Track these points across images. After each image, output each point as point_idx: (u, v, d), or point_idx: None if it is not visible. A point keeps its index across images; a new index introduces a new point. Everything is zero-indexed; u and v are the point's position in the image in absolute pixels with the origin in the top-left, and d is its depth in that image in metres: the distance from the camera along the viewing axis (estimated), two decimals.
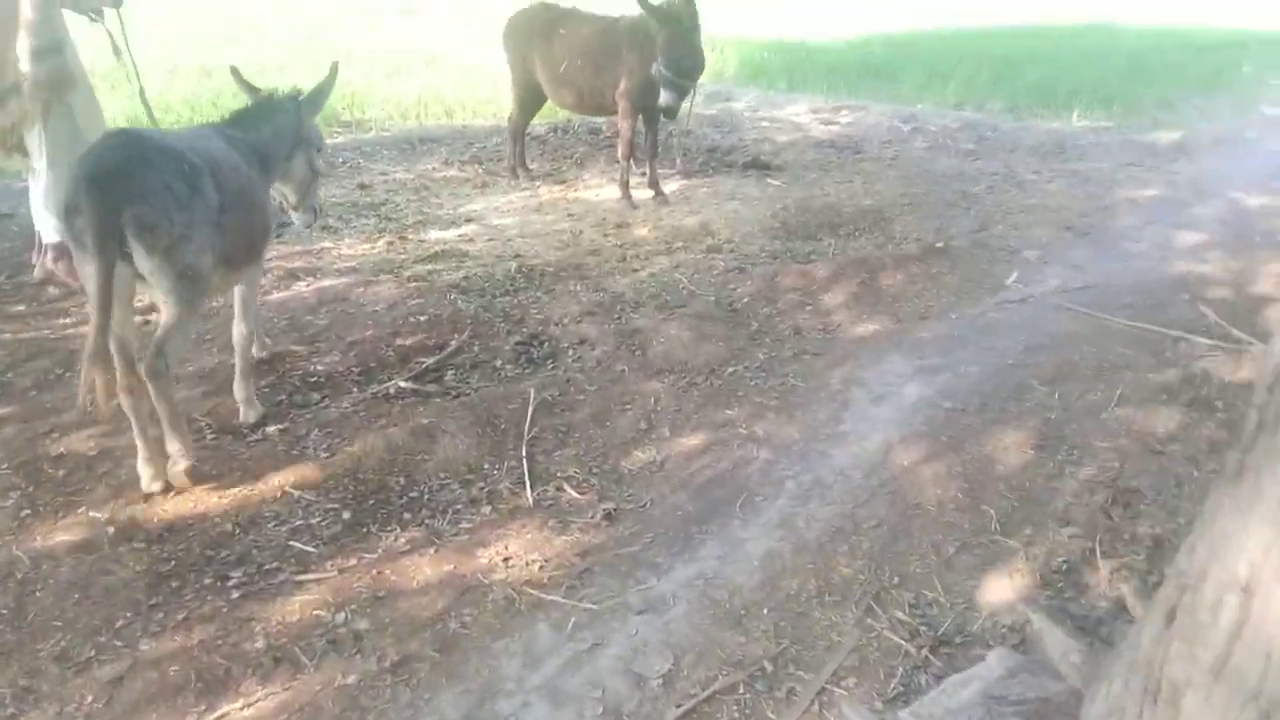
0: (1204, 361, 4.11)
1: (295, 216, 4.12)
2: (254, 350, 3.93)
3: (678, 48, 6.00)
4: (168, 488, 3.15)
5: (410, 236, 5.97)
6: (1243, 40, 16.04)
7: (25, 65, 4.37)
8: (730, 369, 4.15)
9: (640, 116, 6.62)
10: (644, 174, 6.95)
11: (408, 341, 4.43)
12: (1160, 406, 3.72)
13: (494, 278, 5.20)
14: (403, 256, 5.56)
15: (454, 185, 7.20)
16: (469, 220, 6.33)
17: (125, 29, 4.72)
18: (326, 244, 5.72)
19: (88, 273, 2.79)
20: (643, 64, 6.23)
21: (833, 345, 4.39)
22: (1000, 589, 2.72)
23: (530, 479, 3.32)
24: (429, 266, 5.37)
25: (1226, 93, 11.91)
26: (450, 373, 4.17)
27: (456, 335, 4.47)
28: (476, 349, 4.38)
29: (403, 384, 4.01)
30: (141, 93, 4.86)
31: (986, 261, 5.44)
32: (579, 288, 5.13)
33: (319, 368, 4.15)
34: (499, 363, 4.26)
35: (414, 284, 5.08)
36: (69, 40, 4.57)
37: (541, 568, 2.87)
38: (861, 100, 10.87)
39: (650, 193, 6.87)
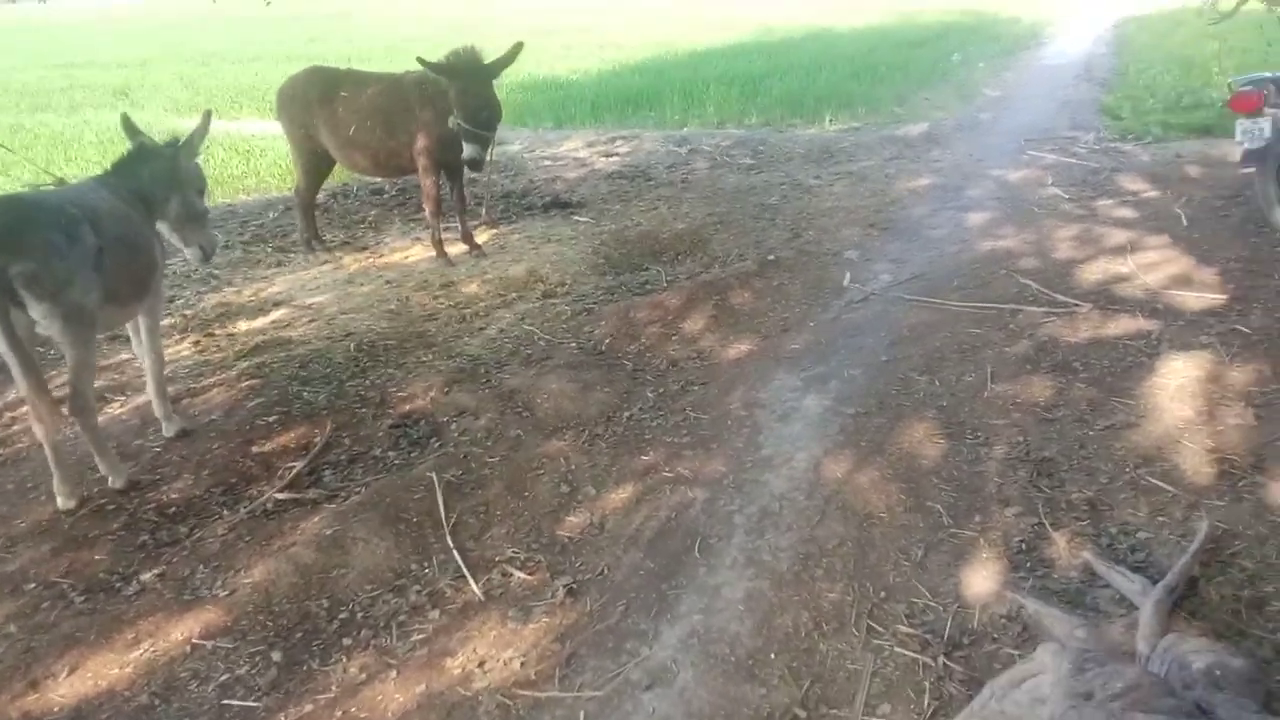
0: (1045, 328, 4.46)
1: (188, 253, 4.28)
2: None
3: (473, 99, 5.83)
4: (82, 504, 3.50)
5: (217, 331, 5.42)
6: (943, 32, 17.90)
7: None
8: (626, 413, 4.04)
9: (442, 172, 6.39)
10: (448, 228, 6.71)
11: (265, 448, 3.98)
12: (1030, 377, 3.99)
13: (334, 361, 4.81)
14: (219, 355, 5.03)
15: (245, 268, 6.62)
16: (277, 304, 5.83)
17: None
18: (123, 355, 5.06)
19: None
20: (438, 118, 6.01)
21: (714, 371, 4.39)
22: (979, 581, 2.77)
23: (469, 570, 3.06)
24: (254, 360, 4.87)
25: (946, 82, 13.21)
26: (327, 472, 3.78)
27: (318, 431, 4.07)
28: (347, 441, 4.01)
29: (279, 496, 3.59)
30: None
31: (817, 267, 5.66)
32: (430, 356, 4.84)
33: (172, 496, 3.64)
34: (378, 451, 3.91)
35: (246, 383, 4.60)
36: None
37: (523, 664, 2.63)
38: (631, 129, 11.11)
39: (465, 247, 6.64)
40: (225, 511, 3.52)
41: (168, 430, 4.08)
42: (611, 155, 9.81)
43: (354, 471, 3.78)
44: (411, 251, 6.80)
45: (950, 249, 5.86)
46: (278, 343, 5.14)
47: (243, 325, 5.49)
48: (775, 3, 29.66)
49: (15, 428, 4.33)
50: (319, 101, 6.34)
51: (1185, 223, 5.93)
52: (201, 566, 3.16)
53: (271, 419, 4.21)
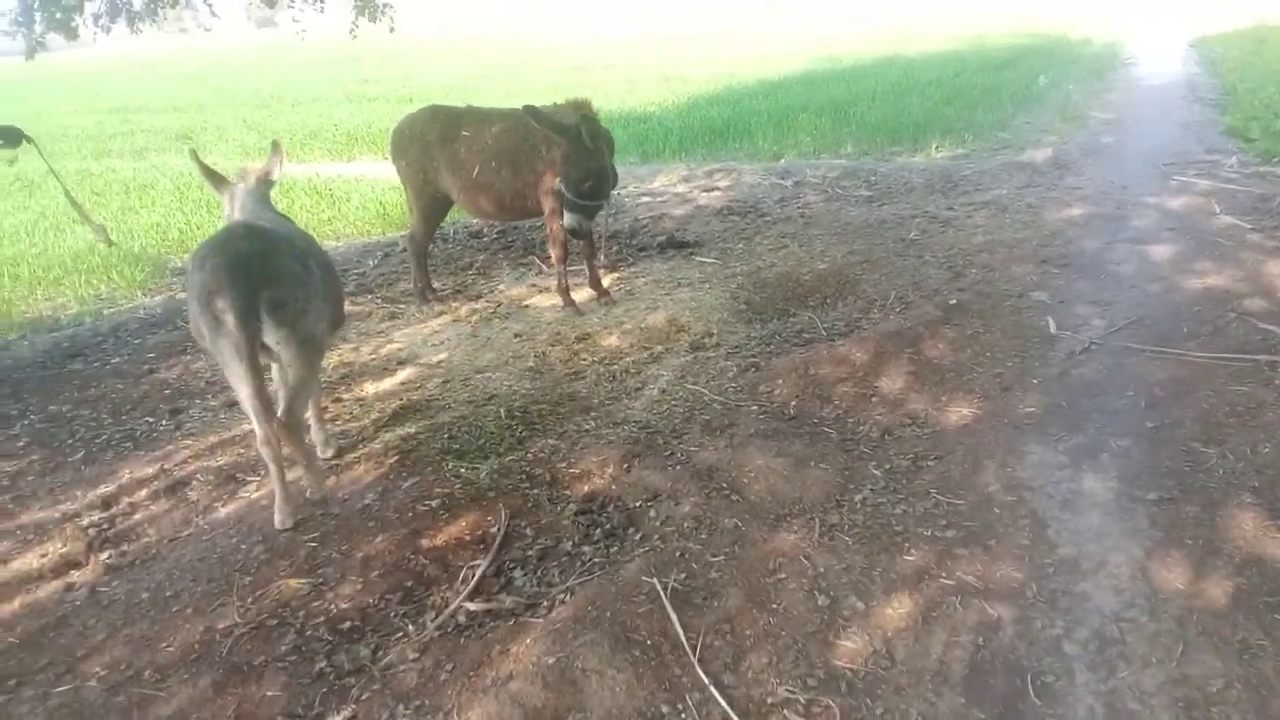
0: None
1: None
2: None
3: (577, 168, 5.23)
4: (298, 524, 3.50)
5: (344, 396, 4.89)
6: (1020, 55, 17.29)
7: None
8: (857, 496, 3.42)
9: None
10: (571, 272, 6.16)
11: (436, 540, 3.41)
12: None
13: (485, 430, 4.25)
14: (356, 424, 4.49)
15: (357, 322, 6.11)
16: (401, 363, 5.30)
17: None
18: (244, 425, 4.54)
19: (226, 346, 3.16)
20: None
21: (942, 442, 3.76)
22: None
23: (741, 716, 2.45)
24: (397, 431, 4.33)
25: (1040, 105, 12.55)
26: (517, 572, 3.20)
27: (491, 518, 3.51)
28: (529, 532, 3.43)
29: (471, 606, 3.02)
30: (68, 194, 5.28)
31: (1008, 312, 5.02)
32: (591, 424, 4.26)
33: (342, 605, 3.07)
34: (569, 545, 3.33)
35: (394, 458, 4.05)
36: None
37: None
38: (724, 163, 10.56)
39: (589, 293, 6.10)
40: (409, 625, 2.96)
41: (324, 452, 4.17)
42: (713, 190, 9.24)
43: (548, 571, 3.19)
44: (532, 299, 6.27)
45: (1151, 288, 5.20)
46: (416, 408, 4.59)
47: (370, 388, 4.96)
48: (826, 33, 29.22)
49: (137, 516, 3.83)
50: (439, 142, 5.85)
51: None
52: (401, 707, 2.59)
53: (434, 503, 3.65)
